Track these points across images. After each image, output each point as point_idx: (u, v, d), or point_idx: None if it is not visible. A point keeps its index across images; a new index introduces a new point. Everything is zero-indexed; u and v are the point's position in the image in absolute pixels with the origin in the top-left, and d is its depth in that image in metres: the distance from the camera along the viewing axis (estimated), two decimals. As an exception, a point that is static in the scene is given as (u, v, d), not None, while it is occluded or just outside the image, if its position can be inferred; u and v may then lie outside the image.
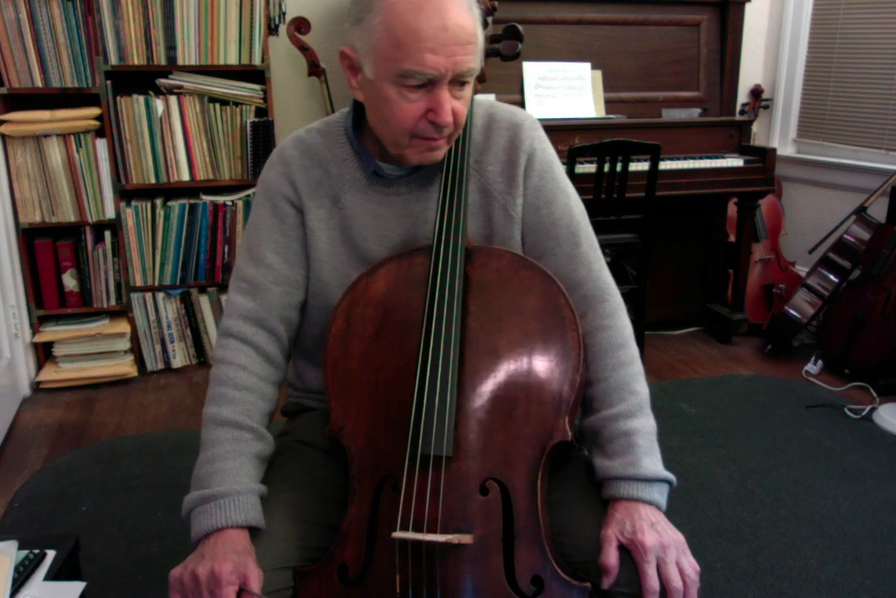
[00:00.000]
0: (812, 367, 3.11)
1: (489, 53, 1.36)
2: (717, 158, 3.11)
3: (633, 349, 1.18)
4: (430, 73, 1.06)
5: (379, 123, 1.16)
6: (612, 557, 1.00)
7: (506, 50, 1.33)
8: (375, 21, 1.06)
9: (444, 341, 1.08)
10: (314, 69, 3.20)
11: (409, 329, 1.12)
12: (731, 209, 3.49)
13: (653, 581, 0.97)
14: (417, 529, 0.99)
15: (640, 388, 1.15)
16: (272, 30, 3.09)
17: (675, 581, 0.97)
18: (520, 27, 1.29)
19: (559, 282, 1.15)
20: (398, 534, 0.98)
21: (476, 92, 1.26)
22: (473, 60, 1.09)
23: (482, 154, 1.25)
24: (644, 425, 1.11)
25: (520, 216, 1.24)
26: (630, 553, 1.00)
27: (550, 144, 1.29)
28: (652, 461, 1.08)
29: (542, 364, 1.09)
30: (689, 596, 0.98)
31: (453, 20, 1.05)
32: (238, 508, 1.04)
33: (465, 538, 0.98)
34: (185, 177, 3.03)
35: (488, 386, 1.08)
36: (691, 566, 1.00)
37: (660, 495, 1.07)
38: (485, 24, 1.16)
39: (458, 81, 1.10)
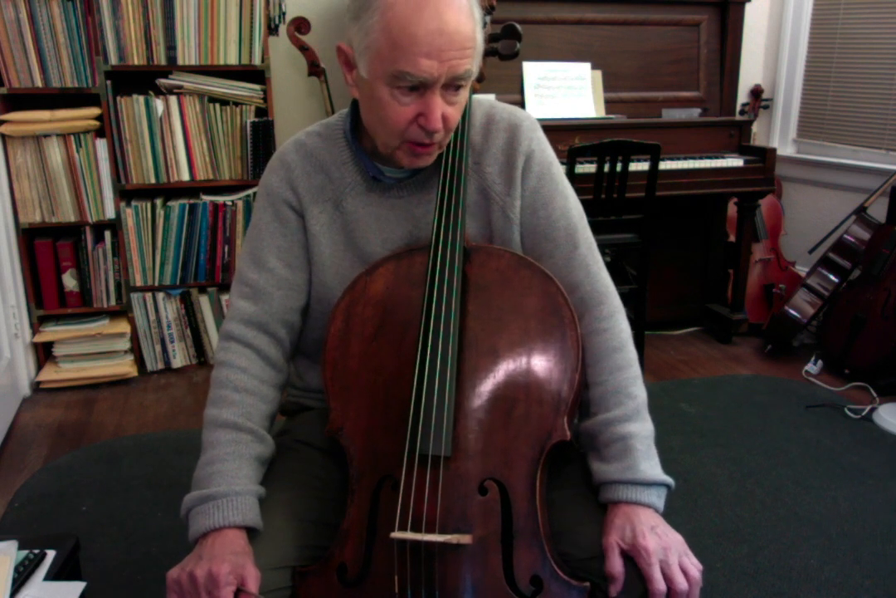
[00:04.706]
0: (812, 367, 3.11)
1: (487, 53, 1.35)
2: (717, 158, 3.11)
3: (631, 353, 1.17)
4: (422, 77, 1.05)
5: (372, 121, 1.16)
6: (616, 565, 1.00)
7: (504, 49, 1.32)
8: (372, 21, 1.05)
9: (443, 340, 1.07)
10: (314, 69, 3.20)
11: (409, 329, 1.12)
12: (731, 209, 3.49)
13: (659, 584, 0.97)
14: (416, 529, 0.99)
15: (638, 391, 1.14)
16: (272, 30, 3.09)
17: (681, 583, 0.98)
18: (518, 26, 1.29)
19: (558, 281, 1.15)
20: (397, 534, 0.98)
21: (474, 91, 1.26)
22: (470, 63, 1.08)
23: (481, 155, 1.24)
24: (641, 430, 1.11)
25: (518, 218, 1.23)
26: (633, 559, 1.00)
27: (550, 145, 1.28)
28: (650, 465, 1.08)
29: (541, 364, 1.09)
30: (692, 596, 0.98)
31: (450, 25, 1.03)
32: (236, 508, 1.05)
33: (464, 539, 0.98)
34: (185, 177, 3.03)
35: (487, 386, 1.08)
36: (694, 566, 1.00)
37: (658, 498, 1.07)
38: (483, 24, 1.15)
39: (453, 85, 1.08)
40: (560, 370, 1.09)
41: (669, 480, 1.09)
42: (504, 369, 1.08)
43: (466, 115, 1.22)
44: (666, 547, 1.00)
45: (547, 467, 1.08)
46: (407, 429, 1.04)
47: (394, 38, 1.04)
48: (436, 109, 1.08)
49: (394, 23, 1.03)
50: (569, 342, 1.10)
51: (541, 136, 1.26)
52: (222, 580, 0.96)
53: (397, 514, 1.00)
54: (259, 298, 1.22)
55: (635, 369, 1.16)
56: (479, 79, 1.30)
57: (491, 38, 1.34)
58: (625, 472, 1.06)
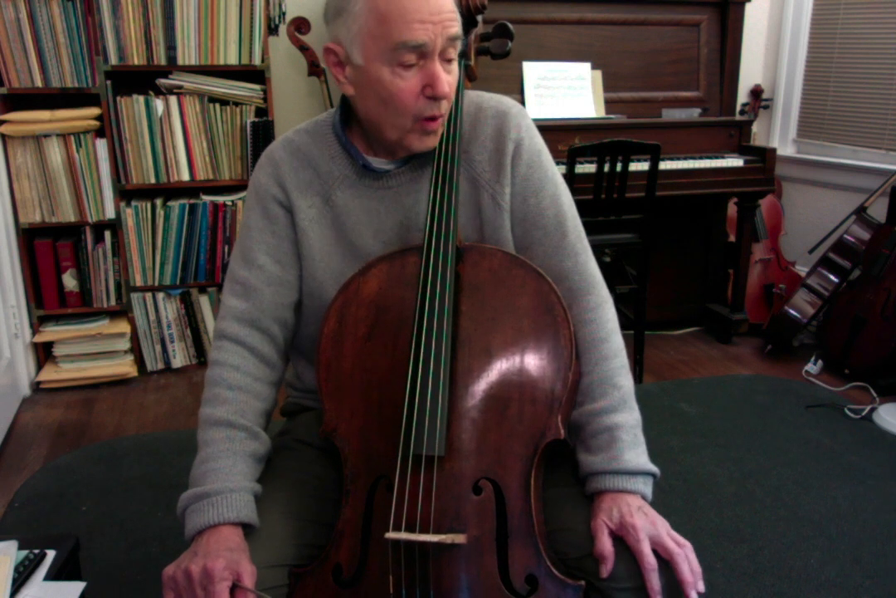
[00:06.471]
0: (812, 367, 3.11)
1: (479, 52, 1.35)
2: (717, 158, 3.11)
3: (617, 343, 1.18)
4: (421, 40, 1.07)
5: (376, 110, 1.15)
6: (606, 544, 1.00)
7: (496, 48, 1.32)
8: (358, 6, 1.08)
9: (436, 340, 1.07)
10: (314, 69, 3.20)
11: (402, 329, 1.12)
12: (731, 209, 3.49)
13: (650, 558, 0.98)
14: (410, 529, 0.99)
15: (624, 381, 1.15)
16: (272, 30, 3.10)
17: (674, 548, 0.99)
18: (510, 25, 1.29)
19: (550, 280, 1.14)
20: (391, 534, 0.98)
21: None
22: (459, 26, 1.11)
23: (470, 144, 1.24)
24: (627, 420, 1.11)
25: (509, 205, 1.23)
26: (623, 542, 1.01)
27: (538, 133, 1.27)
28: (635, 454, 1.09)
29: (534, 363, 1.09)
30: (690, 559, 0.99)
31: None
32: (230, 505, 1.05)
33: (459, 538, 0.98)
34: (185, 177, 3.04)
35: (481, 385, 1.07)
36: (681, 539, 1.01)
37: (644, 485, 1.08)
38: (475, 23, 1.16)
39: (446, 53, 1.10)
40: (553, 369, 1.09)
41: (654, 469, 1.10)
42: (497, 368, 1.08)
43: (459, 107, 1.22)
44: (653, 523, 1.01)
45: (542, 465, 1.08)
46: (401, 429, 1.04)
47: (383, 14, 1.06)
48: (440, 74, 1.10)
49: (379, 2, 1.06)
50: (562, 341, 1.10)
51: (529, 123, 1.26)
52: (217, 575, 0.96)
53: (391, 514, 1.00)
54: (250, 295, 1.22)
55: (621, 359, 1.17)
56: (471, 78, 1.30)
57: (482, 37, 1.34)
58: (610, 462, 1.07)
